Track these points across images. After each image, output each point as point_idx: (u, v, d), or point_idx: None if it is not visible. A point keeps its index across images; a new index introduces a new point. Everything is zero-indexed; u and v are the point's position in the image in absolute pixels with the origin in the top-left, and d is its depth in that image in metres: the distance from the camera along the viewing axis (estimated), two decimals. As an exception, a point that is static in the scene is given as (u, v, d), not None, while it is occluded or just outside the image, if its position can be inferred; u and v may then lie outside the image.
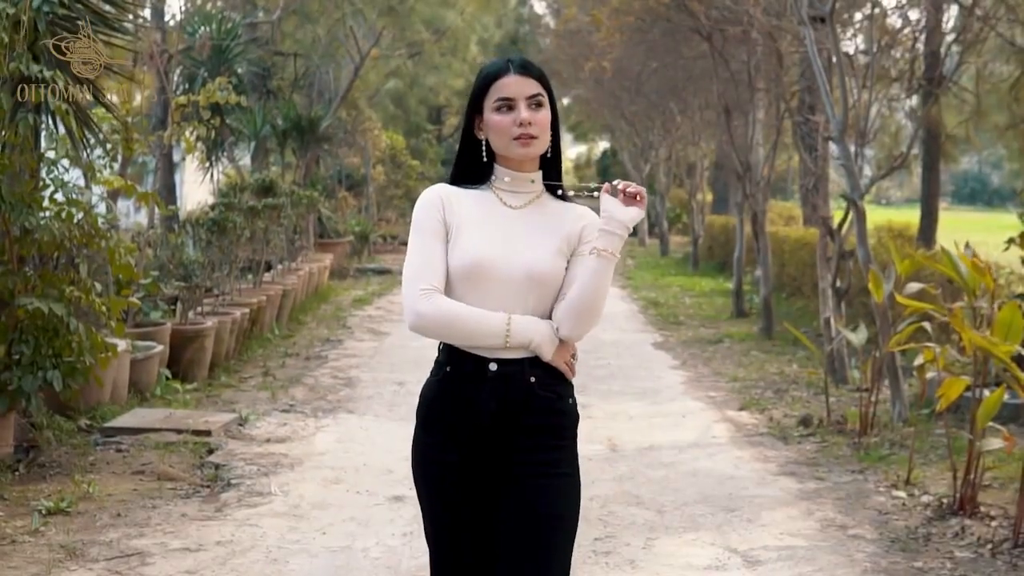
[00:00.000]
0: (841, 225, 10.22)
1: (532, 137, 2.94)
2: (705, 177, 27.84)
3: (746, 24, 12.62)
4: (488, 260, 2.93)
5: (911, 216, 21.39)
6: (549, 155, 3.05)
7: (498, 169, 3.05)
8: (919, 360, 6.97)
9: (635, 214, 2.91)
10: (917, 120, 9.59)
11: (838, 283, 10.29)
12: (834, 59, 9.77)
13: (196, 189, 22.86)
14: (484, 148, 3.05)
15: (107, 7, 7.95)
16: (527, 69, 2.96)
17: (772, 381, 10.78)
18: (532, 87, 2.94)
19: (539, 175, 3.05)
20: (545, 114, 2.96)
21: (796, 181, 25.50)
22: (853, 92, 9.77)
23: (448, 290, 2.96)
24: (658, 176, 27.55)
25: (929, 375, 7.37)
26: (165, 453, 7.30)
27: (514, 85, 2.93)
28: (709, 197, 29.79)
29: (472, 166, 3.08)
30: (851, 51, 11.71)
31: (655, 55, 19.24)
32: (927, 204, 19.25)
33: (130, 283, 8.09)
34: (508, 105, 2.93)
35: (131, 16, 8.93)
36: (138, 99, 12.21)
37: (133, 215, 19.73)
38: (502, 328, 2.91)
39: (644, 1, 15.46)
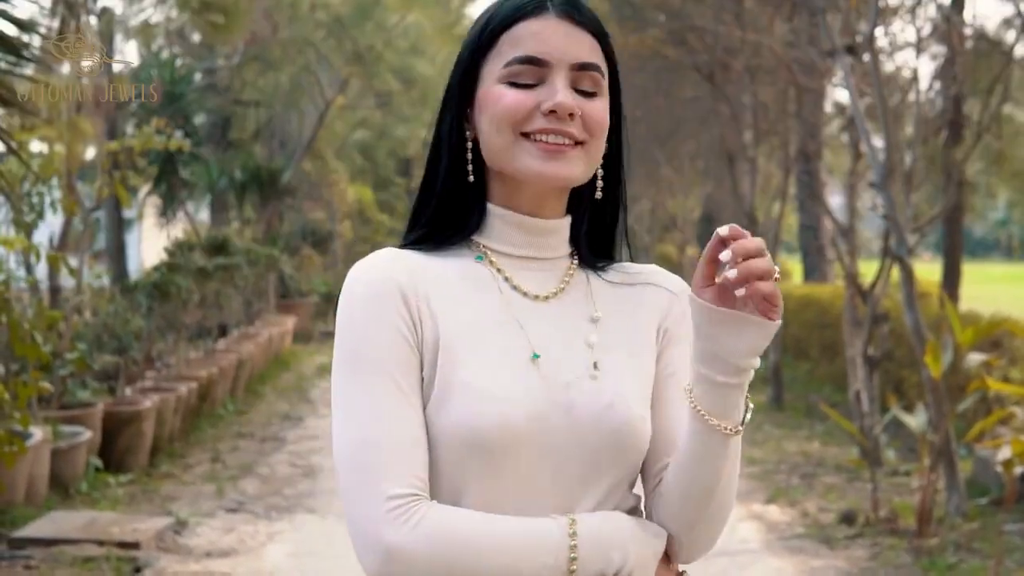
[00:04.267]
0: (874, 284, 9.73)
1: (571, 142, 1.82)
2: (694, 232, 28.48)
3: (750, 58, 13.18)
4: (525, 419, 1.79)
5: (926, 267, 22.17)
6: (600, 193, 1.92)
7: (492, 213, 1.91)
8: (1005, 454, 6.64)
9: (756, 340, 1.72)
10: (951, 167, 9.99)
11: (870, 350, 9.69)
12: (861, 96, 9.54)
13: (157, 247, 23.45)
14: (471, 160, 1.90)
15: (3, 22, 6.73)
16: (579, 11, 1.86)
17: (795, 464, 10.40)
18: (586, 48, 1.84)
19: (562, 226, 1.93)
20: (601, 106, 1.85)
21: (788, 232, 26.18)
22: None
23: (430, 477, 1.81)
24: (640, 233, 28.20)
25: (1018, 470, 6.93)
26: (82, 573, 6.66)
27: (552, 36, 1.82)
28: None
29: (449, 201, 1.90)
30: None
31: (641, 102, 19.77)
32: (950, 257, 20.01)
33: (42, 366, 7.62)
34: (533, 72, 1.82)
35: (39, 37, 7.99)
36: (91, 152, 12.45)
37: (86, 275, 20.24)
38: (560, 544, 1.75)
39: (637, 38, 15.80)
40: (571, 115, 1.78)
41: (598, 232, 1.95)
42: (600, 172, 1.88)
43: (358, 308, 1.80)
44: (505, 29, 1.81)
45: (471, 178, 1.87)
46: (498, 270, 1.87)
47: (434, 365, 1.78)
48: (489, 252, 1.88)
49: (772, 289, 1.66)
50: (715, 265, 1.71)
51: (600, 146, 1.83)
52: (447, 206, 1.88)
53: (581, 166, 1.81)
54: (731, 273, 1.65)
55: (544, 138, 1.78)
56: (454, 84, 1.88)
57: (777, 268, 1.67)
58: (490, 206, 1.88)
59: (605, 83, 1.84)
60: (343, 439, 1.77)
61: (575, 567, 1.73)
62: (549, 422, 1.78)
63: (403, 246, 1.90)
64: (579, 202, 1.92)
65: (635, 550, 1.78)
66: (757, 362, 1.73)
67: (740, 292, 1.65)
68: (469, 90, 1.86)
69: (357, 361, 1.78)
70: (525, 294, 1.86)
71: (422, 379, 1.79)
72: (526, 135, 1.79)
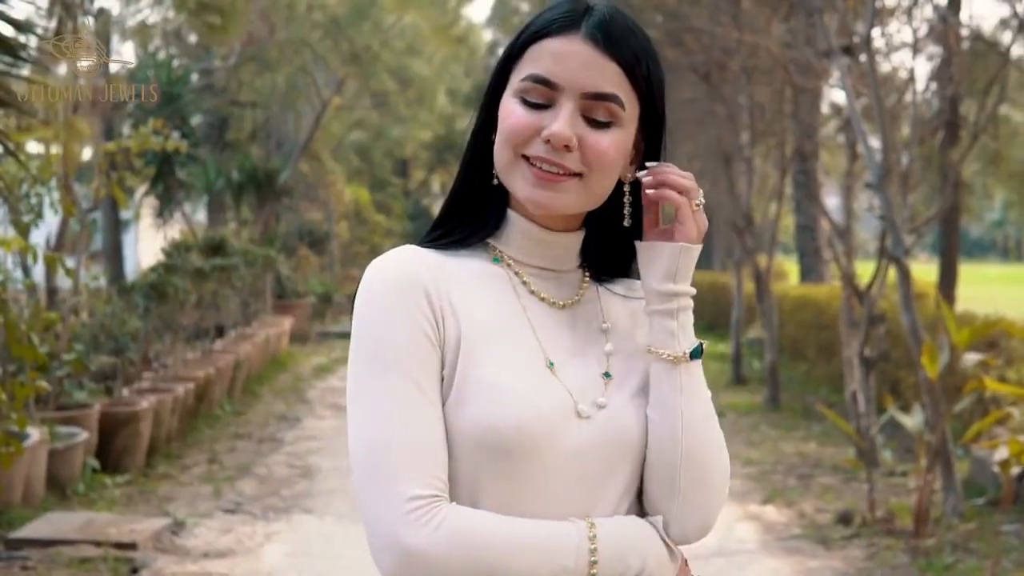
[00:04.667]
0: (871, 285, 9.87)
1: (565, 173, 1.78)
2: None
3: (746, 58, 13.23)
4: (542, 422, 1.77)
5: (922, 268, 22.27)
6: (628, 221, 1.90)
7: (510, 219, 1.90)
8: (1002, 454, 6.80)
9: (665, 263, 1.85)
10: (947, 168, 9.94)
11: (866, 351, 9.81)
12: (858, 97, 9.61)
13: (154, 248, 23.54)
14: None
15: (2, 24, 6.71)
16: (609, 37, 1.77)
17: (792, 464, 10.53)
18: (606, 76, 1.77)
19: (575, 240, 1.91)
20: (612, 141, 1.78)
21: (784, 233, 26.26)
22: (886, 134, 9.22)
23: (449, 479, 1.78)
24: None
25: (1014, 470, 7.06)
26: (79, 573, 6.74)
27: (571, 60, 1.76)
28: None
29: (471, 201, 1.90)
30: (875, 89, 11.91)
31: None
32: (947, 258, 20.10)
33: (39, 367, 7.60)
34: (543, 93, 1.78)
35: (36, 38, 7.76)
36: (88, 153, 12.39)
37: (83, 276, 20.27)
38: (580, 548, 1.75)
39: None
40: (566, 147, 1.74)
41: (612, 248, 1.93)
42: (629, 199, 1.87)
43: (378, 305, 1.77)
44: (534, 41, 1.78)
45: (495, 181, 1.84)
46: (515, 273, 1.86)
47: (455, 364, 1.76)
48: (505, 256, 1.87)
49: (679, 200, 1.80)
50: (655, 207, 1.86)
51: (603, 178, 1.79)
52: (468, 205, 1.87)
53: (575, 197, 1.78)
54: (647, 178, 1.82)
55: (539, 165, 1.76)
56: (488, 85, 1.86)
57: (702, 198, 1.83)
58: (509, 211, 1.87)
59: (627, 114, 1.78)
60: (361, 439, 1.75)
61: (595, 570, 1.73)
62: (565, 426, 1.77)
63: (420, 245, 1.88)
64: (596, 217, 1.90)
65: (654, 554, 1.79)
66: (676, 287, 1.83)
67: (651, 192, 1.81)
68: (499, 94, 1.83)
69: (376, 359, 1.76)
70: (543, 299, 1.86)
71: (442, 378, 1.76)
72: (526, 157, 1.77)
